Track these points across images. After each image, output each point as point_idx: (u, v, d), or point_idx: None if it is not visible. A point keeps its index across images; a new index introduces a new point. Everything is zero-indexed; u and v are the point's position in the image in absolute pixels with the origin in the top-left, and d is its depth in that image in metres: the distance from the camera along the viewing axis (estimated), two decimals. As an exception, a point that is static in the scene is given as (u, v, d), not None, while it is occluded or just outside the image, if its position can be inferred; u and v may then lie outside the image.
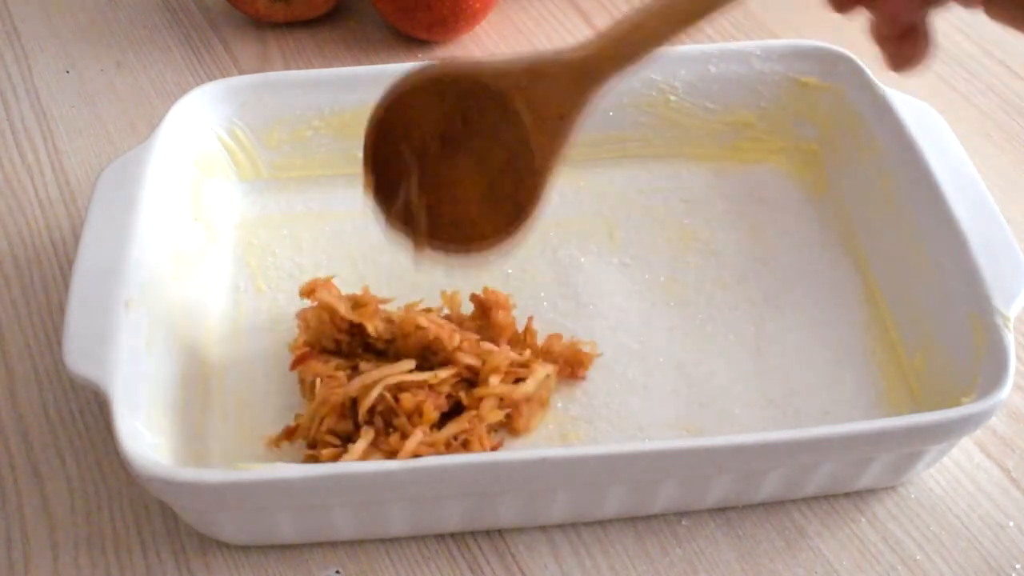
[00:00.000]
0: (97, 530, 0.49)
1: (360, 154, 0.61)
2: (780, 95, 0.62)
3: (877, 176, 0.57)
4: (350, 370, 0.49)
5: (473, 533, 0.49)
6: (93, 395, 0.53)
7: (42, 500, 0.50)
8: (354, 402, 0.48)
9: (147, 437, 0.45)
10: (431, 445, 0.47)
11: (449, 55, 0.72)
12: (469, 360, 0.50)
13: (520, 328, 0.53)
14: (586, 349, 0.53)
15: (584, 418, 0.52)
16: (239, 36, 0.74)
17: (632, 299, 0.57)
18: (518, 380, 0.50)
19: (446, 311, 0.53)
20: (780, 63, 0.61)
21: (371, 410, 0.48)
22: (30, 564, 0.48)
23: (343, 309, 0.50)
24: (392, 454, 0.47)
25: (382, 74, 0.60)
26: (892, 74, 0.44)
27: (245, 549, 0.48)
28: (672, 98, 0.62)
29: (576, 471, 0.45)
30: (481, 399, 0.49)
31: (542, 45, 0.74)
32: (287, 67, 0.72)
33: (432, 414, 0.48)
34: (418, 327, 0.50)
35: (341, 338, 0.51)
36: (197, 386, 0.52)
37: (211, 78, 0.67)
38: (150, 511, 0.49)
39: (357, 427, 0.48)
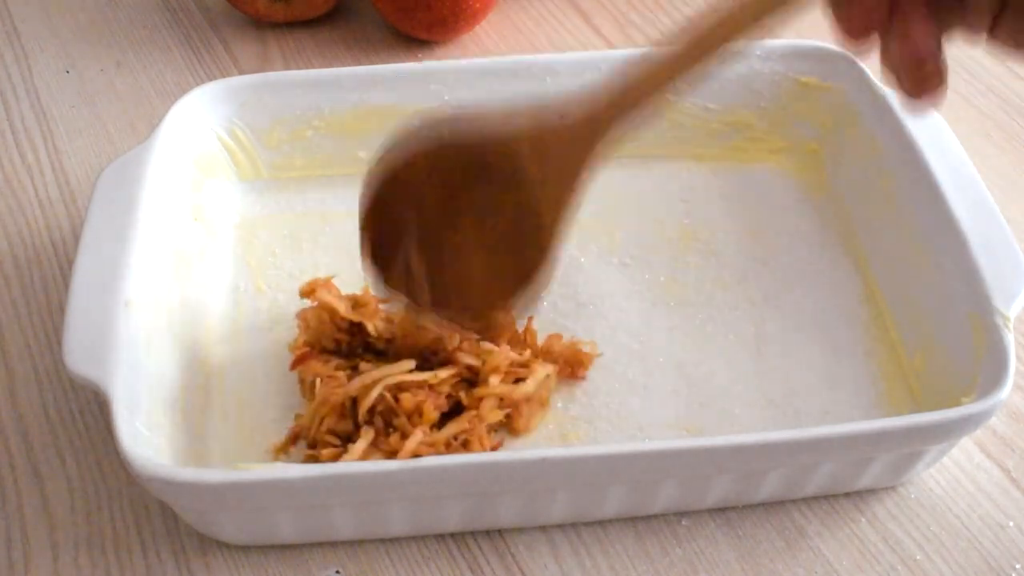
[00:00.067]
0: (97, 530, 0.49)
1: (360, 154, 0.62)
2: (780, 95, 0.62)
3: (877, 176, 0.57)
4: (350, 370, 0.49)
5: (473, 533, 0.49)
6: (93, 395, 0.53)
7: (42, 500, 0.50)
8: (354, 402, 0.48)
9: (147, 437, 0.45)
10: (431, 445, 0.47)
11: (450, 55, 0.72)
12: (469, 360, 0.50)
13: (520, 328, 0.53)
14: (586, 349, 0.53)
15: (584, 418, 0.52)
16: (239, 36, 0.74)
17: (632, 299, 0.57)
18: (518, 380, 0.50)
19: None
20: (780, 63, 0.61)
21: (371, 410, 0.48)
22: (30, 564, 0.48)
23: (343, 309, 0.50)
24: (392, 454, 0.47)
25: (382, 74, 0.61)
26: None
27: (245, 549, 0.48)
28: (672, 98, 0.62)
29: (576, 471, 0.45)
30: (481, 399, 0.49)
31: (542, 45, 0.74)
32: (287, 67, 0.72)
33: (432, 414, 0.48)
34: (418, 327, 0.50)
35: (341, 338, 0.51)
36: (197, 386, 0.51)
37: (211, 78, 0.67)
38: (150, 511, 0.49)
39: (357, 427, 0.48)
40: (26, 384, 0.54)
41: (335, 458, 0.47)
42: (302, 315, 0.51)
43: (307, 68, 0.71)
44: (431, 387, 0.49)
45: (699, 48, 0.40)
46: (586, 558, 0.48)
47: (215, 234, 0.58)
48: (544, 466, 0.44)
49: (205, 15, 0.76)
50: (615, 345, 0.54)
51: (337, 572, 0.47)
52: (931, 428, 0.45)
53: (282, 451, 0.49)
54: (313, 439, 0.48)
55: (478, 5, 0.70)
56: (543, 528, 0.49)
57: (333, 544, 0.48)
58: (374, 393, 0.48)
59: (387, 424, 0.48)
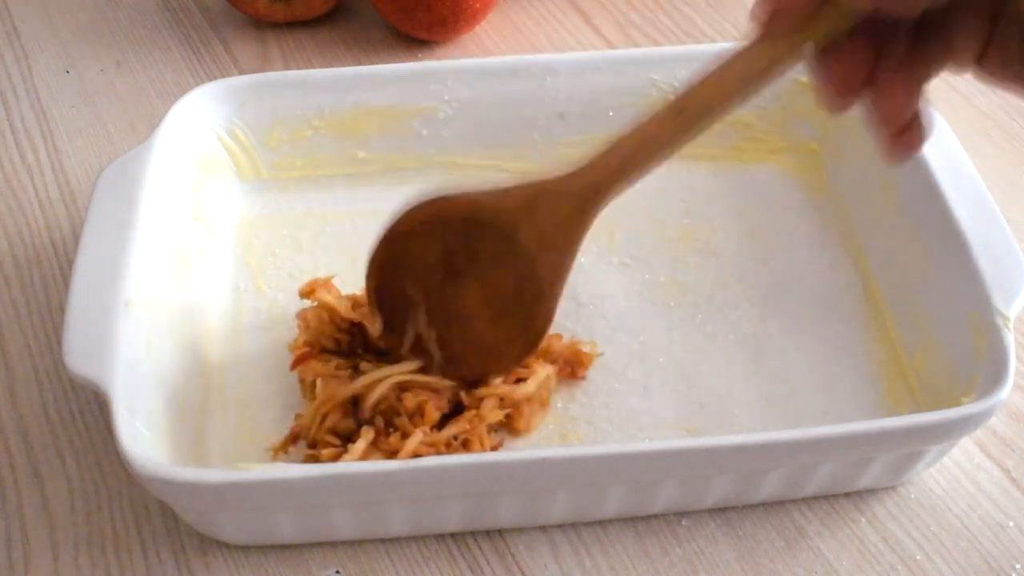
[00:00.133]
0: (97, 530, 0.49)
1: (360, 154, 0.62)
2: (780, 95, 0.62)
3: (877, 176, 0.57)
4: (351, 370, 0.49)
5: (473, 533, 0.49)
6: (93, 395, 0.53)
7: (42, 500, 0.50)
8: (356, 400, 0.48)
9: (147, 437, 0.45)
10: (431, 445, 0.47)
11: (450, 55, 0.72)
12: None
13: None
14: (586, 349, 0.53)
15: (584, 418, 0.52)
16: (239, 36, 0.74)
17: (632, 299, 0.57)
18: (518, 380, 0.50)
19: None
20: (780, 63, 0.61)
21: (372, 408, 0.48)
22: (30, 564, 0.48)
23: (343, 309, 0.50)
24: (392, 454, 0.47)
25: (382, 74, 0.61)
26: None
27: (245, 549, 0.48)
28: (672, 98, 0.62)
29: (576, 471, 0.45)
30: (482, 399, 0.49)
31: (542, 45, 0.74)
32: (287, 67, 0.72)
33: (434, 414, 0.48)
34: None
35: (341, 337, 0.51)
36: (197, 386, 0.52)
37: (211, 78, 0.67)
38: (150, 511, 0.49)
39: (359, 425, 0.48)
40: (26, 384, 0.54)
41: (335, 458, 0.47)
42: (302, 315, 0.51)
43: (307, 68, 0.71)
44: (434, 389, 0.49)
45: (688, 118, 0.42)
46: (586, 558, 0.48)
47: (215, 234, 0.58)
48: (544, 466, 0.44)
49: (205, 15, 0.76)
50: (615, 345, 0.54)
51: (337, 572, 0.47)
52: (931, 428, 0.45)
53: (281, 450, 0.49)
54: (313, 439, 0.48)
55: (478, 5, 0.70)
56: (543, 528, 0.49)
57: (333, 544, 0.48)
58: (379, 390, 0.48)
59: (388, 424, 0.48)
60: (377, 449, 0.47)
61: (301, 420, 0.49)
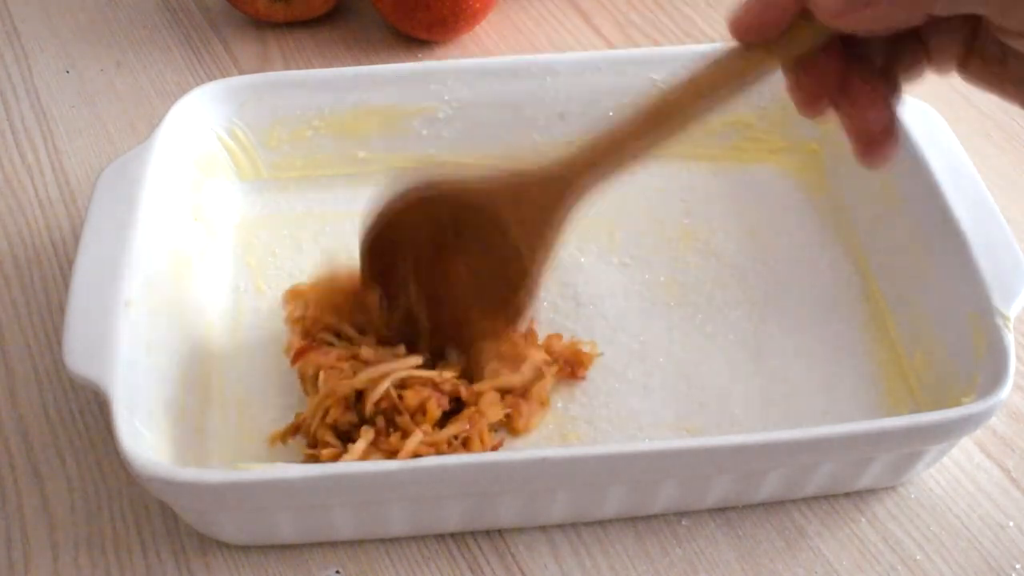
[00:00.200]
0: (97, 530, 0.49)
1: (360, 154, 0.62)
2: (780, 95, 0.61)
3: (877, 176, 0.57)
4: (351, 360, 0.49)
5: (473, 533, 0.49)
6: (93, 395, 0.53)
7: (42, 500, 0.50)
8: (359, 396, 0.48)
9: (147, 437, 0.45)
10: (431, 445, 0.47)
11: (450, 55, 0.72)
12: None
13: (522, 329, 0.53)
14: (586, 349, 0.53)
15: (584, 418, 0.52)
16: (239, 36, 0.74)
17: (632, 299, 0.57)
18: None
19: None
20: (780, 63, 0.61)
21: (375, 405, 0.48)
22: (30, 564, 0.48)
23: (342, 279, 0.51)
24: (392, 454, 0.47)
25: (382, 74, 0.61)
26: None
27: (245, 549, 0.48)
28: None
29: (576, 471, 0.45)
30: (481, 393, 0.49)
31: (542, 45, 0.74)
32: (287, 67, 0.72)
33: (435, 412, 0.48)
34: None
35: (341, 304, 0.51)
36: (197, 386, 0.52)
37: (211, 78, 0.67)
38: (150, 511, 0.49)
39: (361, 421, 0.48)
40: (26, 384, 0.54)
41: (335, 458, 0.47)
42: (293, 294, 0.52)
43: (307, 68, 0.71)
44: (435, 385, 0.49)
45: (665, 120, 0.44)
46: (586, 558, 0.48)
47: (215, 234, 0.58)
48: (544, 466, 0.44)
49: (205, 15, 0.76)
50: (615, 345, 0.54)
51: (337, 572, 0.47)
52: (931, 428, 0.45)
53: (281, 440, 0.49)
54: (314, 437, 0.48)
55: (478, 5, 0.70)
56: (543, 528, 0.49)
57: (333, 544, 0.48)
58: (382, 387, 0.48)
59: (388, 422, 0.48)
60: (377, 449, 0.47)
61: (304, 414, 0.49)
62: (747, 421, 0.51)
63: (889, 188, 0.56)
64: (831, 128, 0.61)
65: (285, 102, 0.60)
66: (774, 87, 0.61)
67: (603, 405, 0.52)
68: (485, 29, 0.75)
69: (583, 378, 0.53)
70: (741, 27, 0.41)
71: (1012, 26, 0.36)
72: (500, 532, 0.49)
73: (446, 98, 0.61)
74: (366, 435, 0.47)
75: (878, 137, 0.41)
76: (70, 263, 0.54)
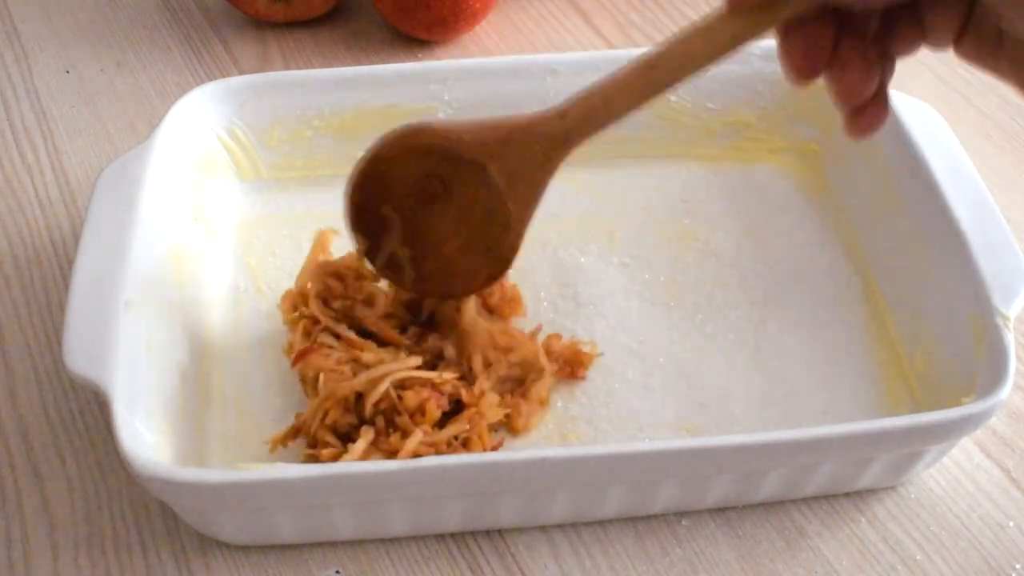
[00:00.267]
0: (97, 530, 0.49)
1: (360, 154, 0.61)
2: (780, 95, 0.62)
3: (877, 176, 0.57)
4: (352, 362, 0.49)
5: (473, 533, 0.49)
6: (93, 395, 0.53)
7: (42, 500, 0.50)
8: (358, 397, 0.48)
9: (147, 437, 0.45)
10: (431, 445, 0.47)
11: (450, 55, 0.72)
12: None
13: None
14: (586, 349, 0.53)
15: (584, 418, 0.52)
16: (239, 36, 0.74)
17: (632, 299, 0.57)
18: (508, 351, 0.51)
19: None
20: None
21: (374, 406, 0.48)
22: (30, 564, 0.48)
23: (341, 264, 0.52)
24: (392, 454, 0.47)
25: (382, 74, 0.61)
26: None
27: (245, 549, 0.48)
28: (672, 98, 0.62)
29: (576, 471, 0.45)
30: (482, 394, 0.49)
31: (542, 45, 0.74)
32: (287, 67, 0.72)
33: (435, 413, 0.48)
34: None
35: (334, 285, 0.51)
36: (197, 386, 0.52)
37: (211, 78, 0.67)
38: (150, 511, 0.49)
39: (361, 422, 0.48)
40: (26, 384, 0.54)
41: (335, 458, 0.47)
42: (290, 295, 0.53)
43: (307, 68, 0.71)
44: (434, 385, 0.49)
45: (656, 77, 0.44)
46: (586, 558, 0.48)
47: (215, 234, 0.58)
48: (544, 466, 0.44)
49: (205, 15, 0.76)
50: (615, 345, 0.54)
51: (337, 572, 0.47)
52: (931, 428, 0.45)
53: (281, 443, 0.49)
54: (314, 437, 0.48)
55: (478, 5, 0.70)
56: (543, 528, 0.49)
57: (333, 544, 0.48)
58: (381, 388, 0.48)
59: (388, 423, 0.48)
60: (377, 449, 0.47)
61: (304, 415, 0.49)
62: (747, 421, 0.51)
63: (889, 188, 0.56)
64: (831, 128, 0.61)
65: (285, 102, 0.60)
66: (774, 87, 0.62)
67: (603, 405, 0.52)
68: (485, 29, 0.75)
69: (583, 378, 0.53)
70: None
71: (1006, 9, 0.37)
72: (500, 532, 0.49)
73: (446, 98, 0.61)
74: (366, 435, 0.47)
75: (867, 105, 0.41)
76: (70, 263, 0.54)
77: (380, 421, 0.48)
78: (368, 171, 0.48)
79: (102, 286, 0.48)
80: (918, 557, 0.48)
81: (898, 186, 0.56)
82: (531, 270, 0.57)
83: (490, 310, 0.54)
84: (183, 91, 0.59)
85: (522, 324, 0.54)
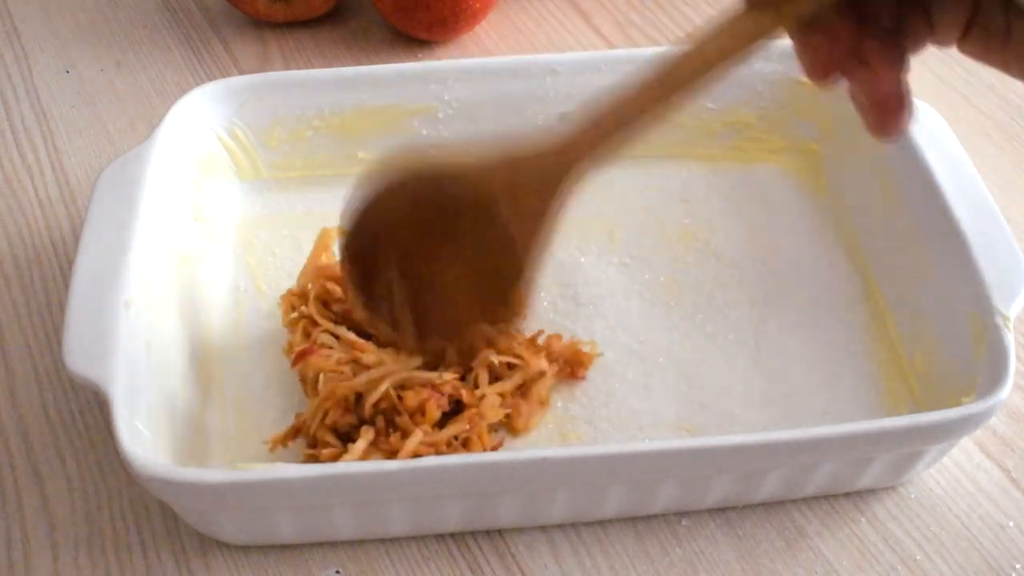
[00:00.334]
0: (97, 530, 0.49)
1: (360, 154, 0.62)
2: (780, 95, 0.62)
3: (877, 176, 0.57)
4: (352, 363, 0.49)
5: (473, 533, 0.49)
6: (93, 395, 0.53)
7: (42, 500, 0.50)
8: (358, 397, 0.48)
9: (147, 437, 0.45)
10: (431, 445, 0.47)
11: (450, 55, 0.72)
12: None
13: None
14: (586, 349, 0.53)
15: (584, 418, 0.52)
16: (239, 36, 0.74)
17: (632, 299, 0.57)
18: (512, 367, 0.51)
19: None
20: (780, 63, 0.61)
21: (374, 406, 0.48)
22: (30, 564, 0.48)
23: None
24: (392, 454, 0.47)
25: (382, 74, 0.61)
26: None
27: (245, 549, 0.48)
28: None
29: (576, 471, 0.45)
30: (483, 396, 0.49)
31: (542, 45, 0.74)
32: (287, 67, 0.72)
33: (435, 413, 0.48)
34: None
35: (335, 289, 0.51)
36: (197, 386, 0.52)
37: (211, 78, 0.67)
38: (150, 511, 0.49)
39: (360, 422, 0.48)
40: (26, 384, 0.54)
41: (335, 458, 0.47)
42: (290, 295, 0.52)
43: (307, 68, 0.71)
44: (434, 386, 0.49)
45: (670, 88, 0.40)
46: (586, 558, 0.48)
47: (215, 234, 0.58)
48: (544, 466, 0.44)
49: (205, 15, 0.76)
50: (615, 345, 0.54)
51: (337, 572, 0.47)
52: (931, 428, 0.45)
53: (281, 443, 0.49)
54: (313, 437, 0.48)
55: (478, 5, 0.70)
56: (543, 528, 0.49)
57: (333, 544, 0.48)
58: (381, 388, 0.48)
59: (388, 423, 0.48)
60: (377, 449, 0.47)
61: (304, 415, 0.49)
62: (747, 421, 0.51)
63: (889, 188, 0.56)
64: (831, 128, 0.61)
65: (285, 102, 0.60)
66: (774, 87, 0.62)
67: (603, 405, 0.52)
68: (485, 29, 0.75)
69: (583, 378, 0.53)
70: None
71: None
72: (500, 532, 0.49)
73: (446, 98, 0.61)
74: (366, 435, 0.47)
75: (893, 105, 0.40)
76: (70, 263, 0.54)
77: (380, 421, 0.48)
78: (357, 220, 0.44)
79: (102, 286, 0.48)
80: (918, 557, 0.48)
81: (898, 186, 0.56)
82: (531, 270, 0.57)
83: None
84: (183, 91, 0.59)
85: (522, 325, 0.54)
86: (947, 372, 0.50)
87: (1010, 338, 0.47)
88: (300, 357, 0.50)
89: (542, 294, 0.57)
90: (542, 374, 0.51)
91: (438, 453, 0.47)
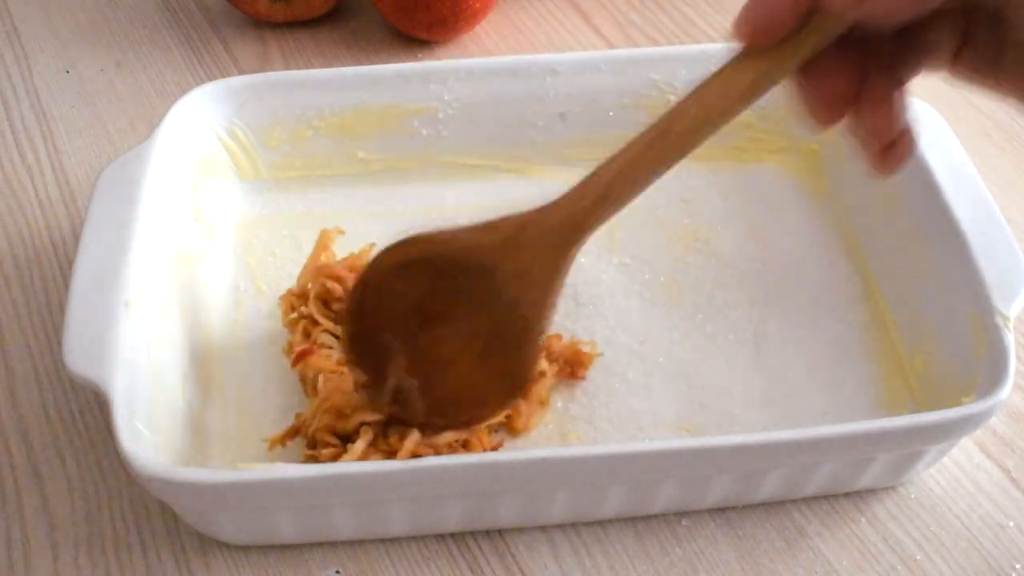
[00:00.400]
0: (97, 530, 0.49)
1: (360, 154, 0.62)
2: (780, 95, 0.62)
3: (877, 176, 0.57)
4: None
5: (473, 533, 0.49)
6: (93, 395, 0.53)
7: (42, 500, 0.50)
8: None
9: (147, 437, 0.45)
10: (431, 445, 0.47)
11: (450, 55, 0.72)
12: None
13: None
14: (586, 349, 0.53)
15: (584, 418, 0.52)
16: (239, 36, 0.74)
17: (632, 299, 0.57)
18: None
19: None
20: (780, 63, 0.61)
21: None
22: (30, 564, 0.48)
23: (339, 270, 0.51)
24: (392, 454, 0.47)
25: (382, 74, 0.61)
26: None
27: (245, 549, 0.48)
28: (672, 98, 0.62)
29: (576, 471, 0.45)
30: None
31: (542, 45, 0.74)
32: (287, 67, 0.72)
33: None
34: None
35: (334, 288, 0.51)
36: (197, 386, 0.52)
37: (211, 78, 0.67)
38: (150, 511, 0.49)
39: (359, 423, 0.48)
40: (26, 384, 0.54)
41: (335, 458, 0.47)
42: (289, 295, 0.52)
43: (307, 68, 0.71)
44: None
45: (671, 142, 0.40)
46: (586, 558, 0.48)
47: (215, 234, 0.58)
48: (544, 466, 0.44)
49: (205, 15, 0.76)
50: (615, 345, 0.54)
51: (337, 572, 0.47)
52: (931, 428, 0.45)
53: (280, 443, 0.49)
54: (312, 438, 0.48)
55: (478, 5, 0.70)
56: (543, 528, 0.49)
57: (333, 544, 0.48)
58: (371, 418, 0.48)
59: (388, 423, 0.48)
60: (377, 449, 0.47)
61: (303, 417, 0.49)
62: (747, 421, 0.51)
63: (889, 188, 0.56)
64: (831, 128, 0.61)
65: (285, 102, 0.60)
66: (774, 88, 0.61)
67: (603, 405, 0.52)
68: (485, 29, 0.75)
69: (583, 378, 0.53)
70: (749, 26, 0.38)
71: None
72: (500, 532, 0.49)
73: (446, 98, 0.61)
74: (365, 435, 0.47)
75: (897, 141, 0.40)
76: (70, 263, 0.54)
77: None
78: (363, 295, 0.44)
79: (102, 286, 0.48)
80: (918, 557, 0.48)
81: (898, 186, 0.56)
82: (531, 270, 0.57)
83: None
84: (183, 91, 0.59)
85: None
86: (947, 372, 0.50)
87: (1010, 338, 0.47)
88: (300, 357, 0.50)
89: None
90: (542, 374, 0.51)
91: (437, 453, 0.47)
